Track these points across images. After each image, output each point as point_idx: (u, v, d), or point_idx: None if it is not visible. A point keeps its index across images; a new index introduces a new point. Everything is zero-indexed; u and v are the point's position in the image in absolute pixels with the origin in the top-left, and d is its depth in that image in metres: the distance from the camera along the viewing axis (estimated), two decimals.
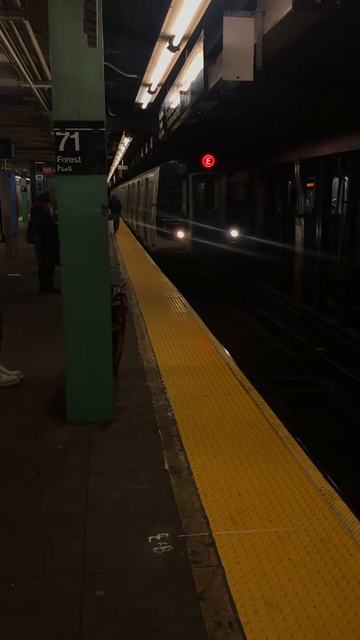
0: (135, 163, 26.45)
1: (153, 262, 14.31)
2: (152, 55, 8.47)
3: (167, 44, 7.37)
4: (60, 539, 3.01)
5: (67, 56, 4.05)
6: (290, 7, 4.68)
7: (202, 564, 2.78)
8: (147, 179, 19.58)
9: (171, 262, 15.03)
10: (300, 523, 3.10)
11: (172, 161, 16.71)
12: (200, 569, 2.74)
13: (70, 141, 4.16)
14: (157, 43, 7.70)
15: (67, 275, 4.31)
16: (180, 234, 16.21)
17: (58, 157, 4.19)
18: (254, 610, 2.46)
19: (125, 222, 29.47)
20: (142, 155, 21.19)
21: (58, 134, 4.15)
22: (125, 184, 31.86)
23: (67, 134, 4.15)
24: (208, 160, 16.18)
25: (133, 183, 25.99)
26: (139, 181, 22.88)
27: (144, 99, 11.97)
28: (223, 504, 3.29)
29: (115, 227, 25.57)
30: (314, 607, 2.48)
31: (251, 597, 2.54)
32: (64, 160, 4.18)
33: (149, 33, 7.80)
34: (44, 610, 2.51)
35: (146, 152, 19.63)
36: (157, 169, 16.98)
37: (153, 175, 17.70)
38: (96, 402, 4.49)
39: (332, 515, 3.16)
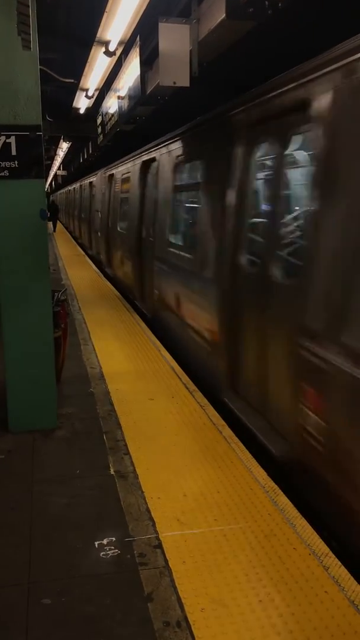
0: (74, 168, 26.31)
1: (95, 267, 14.20)
2: (89, 60, 8.44)
3: (104, 49, 7.36)
4: (6, 549, 2.96)
5: (1, 60, 4.00)
6: (223, 15, 4.76)
7: (150, 565, 2.79)
8: None
9: None
10: (245, 520, 3.15)
11: None
12: (148, 570, 2.75)
13: (7, 145, 4.10)
14: (93, 48, 7.68)
15: (5, 281, 4.24)
16: None
17: None
18: (200, 608, 2.49)
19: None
20: (81, 160, 21.01)
21: None
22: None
23: (3, 138, 4.09)
24: None
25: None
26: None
27: (82, 103, 11.91)
28: (169, 506, 3.31)
29: (54, 228, 26.16)
30: (260, 601, 2.53)
31: (197, 596, 2.57)
32: (0, 164, 4.13)
33: (86, 37, 7.78)
34: None
35: (85, 157, 19.50)
36: None
37: None
38: (39, 409, 4.43)
39: (276, 511, 3.23)
